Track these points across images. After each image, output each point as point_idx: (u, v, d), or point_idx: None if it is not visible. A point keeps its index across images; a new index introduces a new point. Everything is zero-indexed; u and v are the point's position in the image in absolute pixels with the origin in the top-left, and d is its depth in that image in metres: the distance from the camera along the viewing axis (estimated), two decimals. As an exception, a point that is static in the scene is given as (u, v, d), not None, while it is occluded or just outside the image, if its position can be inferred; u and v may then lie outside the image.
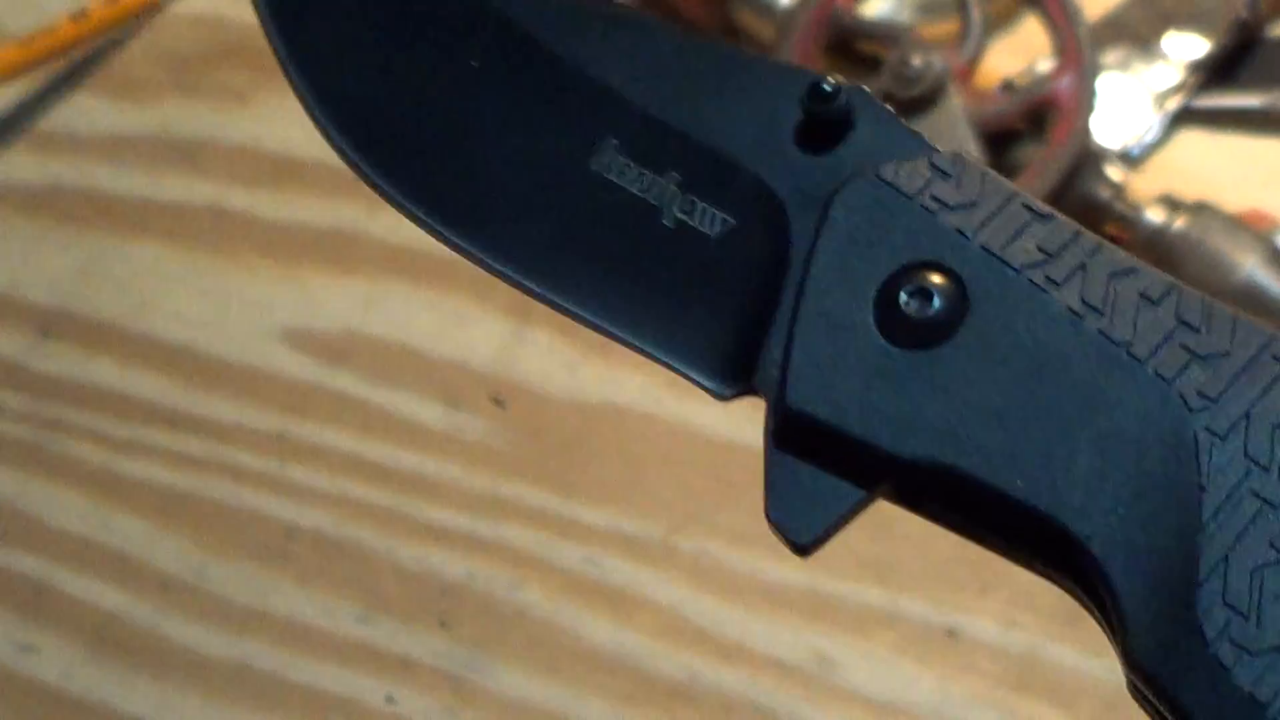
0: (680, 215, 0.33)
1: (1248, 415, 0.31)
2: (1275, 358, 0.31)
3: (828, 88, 0.34)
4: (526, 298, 0.72)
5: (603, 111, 0.36)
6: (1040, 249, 0.33)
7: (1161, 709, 0.31)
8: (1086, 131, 0.66)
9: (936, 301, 0.32)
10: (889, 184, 0.33)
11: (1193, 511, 0.30)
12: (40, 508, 0.66)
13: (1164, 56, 0.70)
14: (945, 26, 0.71)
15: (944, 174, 0.33)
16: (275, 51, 0.42)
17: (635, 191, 0.34)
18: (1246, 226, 0.64)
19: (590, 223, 0.36)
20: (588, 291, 0.37)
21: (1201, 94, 0.70)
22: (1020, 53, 0.72)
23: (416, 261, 0.70)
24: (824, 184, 0.34)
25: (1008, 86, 0.69)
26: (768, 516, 0.34)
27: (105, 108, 0.76)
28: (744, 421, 0.65)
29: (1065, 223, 0.33)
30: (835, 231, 0.33)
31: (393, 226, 0.71)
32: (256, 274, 0.71)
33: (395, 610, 0.62)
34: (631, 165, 0.36)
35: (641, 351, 0.36)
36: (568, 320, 0.72)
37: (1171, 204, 0.65)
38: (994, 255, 0.32)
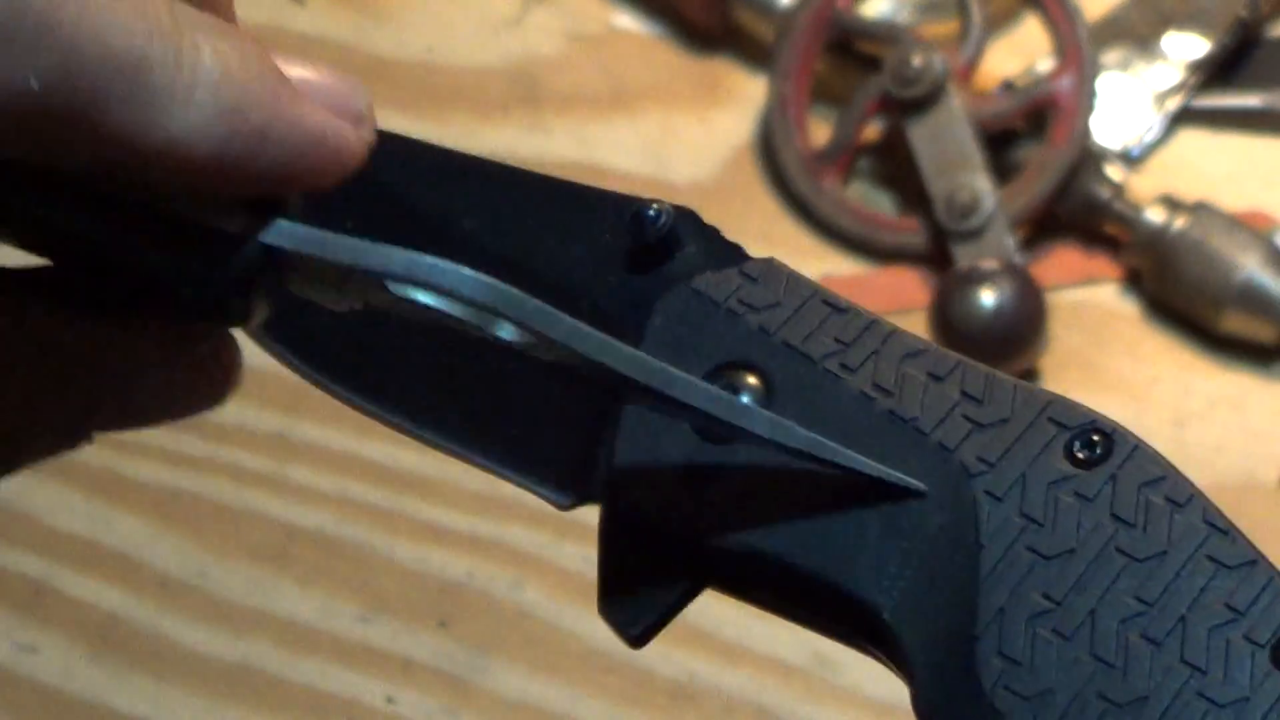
0: (524, 347, 0.34)
1: (1023, 476, 0.33)
2: (1051, 420, 0.34)
3: (651, 213, 0.37)
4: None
5: (449, 252, 0.36)
6: (837, 339, 0.35)
7: None
8: (1086, 131, 0.66)
9: (745, 396, 0.34)
10: (701, 293, 0.36)
11: (972, 570, 0.32)
12: (40, 508, 0.66)
13: (1164, 56, 0.70)
14: (945, 26, 0.71)
15: (751, 279, 0.36)
16: None
17: (482, 330, 0.35)
18: (1246, 226, 0.64)
19: (437, 353, 0.38)
20: (436, 417, 0.39)
21: (1201, 94, 0.70)
22: (1020, 53, 0.72)
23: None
24: (647, 297, 0.36)
25: (1008, 86, 0.69)
26: (600, 611, 0.36)
27: (105, 108, 0.76)
28: (744, 421, 0.65)
29: (861, 314, 0.35)
30: (654, 338, 0.36)
31: (393, 226, 0.71)
32: (256, 274, 0.71)
33: (395, 610, 0.62)
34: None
35: (485, 468, 0.38)
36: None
37: (1171, 204, 0.65)
38: (794, 349, 0.35)
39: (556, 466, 0.38)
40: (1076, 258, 0.67)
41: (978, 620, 0.32)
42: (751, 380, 0.35)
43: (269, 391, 0.67)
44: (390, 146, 0.39)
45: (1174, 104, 0.69)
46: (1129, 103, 0.69)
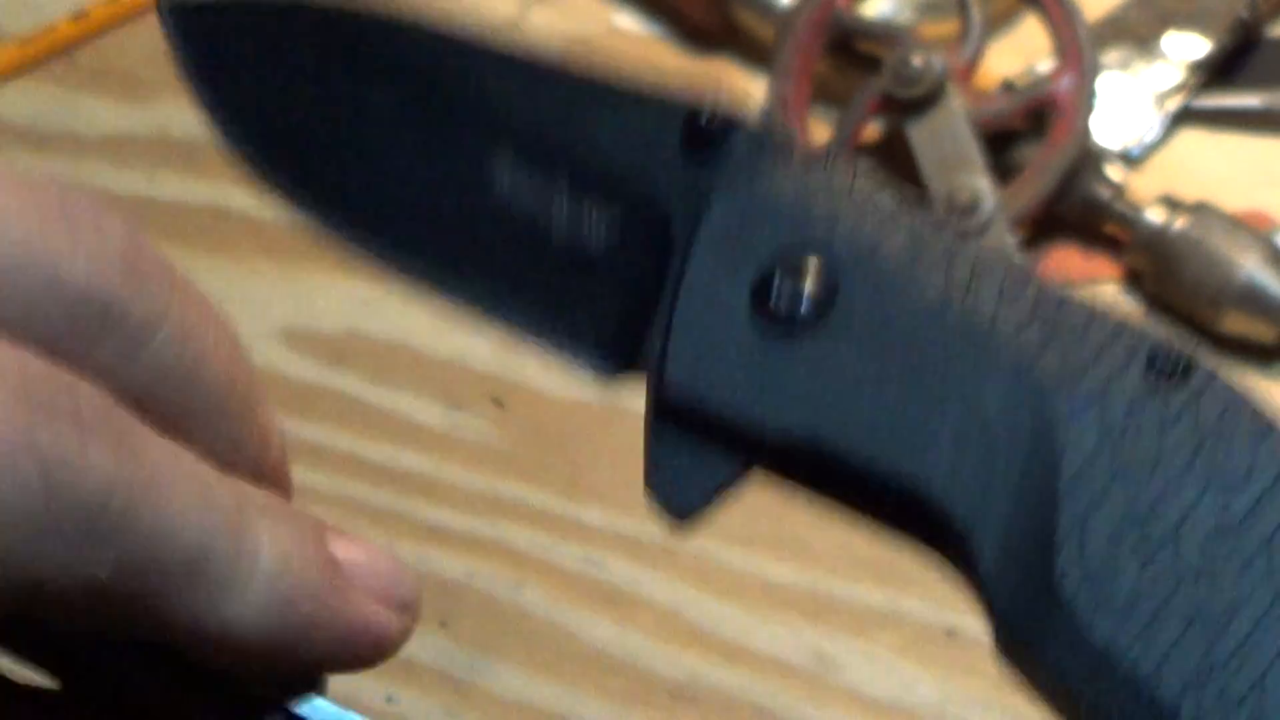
0: (569, 224, 0.35)
1: (1103, 391, 0.32)
2: (1131, 337, 0.33)
3: (706, 109, 0.37)
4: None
5: (495, 131, 0.38)
6: (909, 238, 0.34)
7: (1026, 669, 0.33)
8: (1086, 131, 0.66)
9: (808, 287, 0.33)
10: (765, 177, 0.35)
11: (1051, 481, 0.32)
12: (40, 508, 0.66)
13: (1164, 56, 0.70)
14: (945, 26, 0.71)
15: (817, 168, 0.35)
16: (178, 66, 0.45)
17: (527, 203, 0.36)
18: (1246, 226, 0.64)
19: (482, 232, 0.38)
20: (480, 289, 0.39)
21: (1201, 94, 0.70)
22: (1020, 53, 0.72)
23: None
24: (703, 187, 0.36)
25: (1008, 86, 0.69)
26: (647, 485, 0.36)
27: (105, 108, 0.76)
28: (744, 421, 0.65)
29: (932, 216, 0.35)
30: (713, 223, 0.35)
31: (393, 226, 0.71)
32: (256, 274, 0.71)
33: (395, 610, 0.62)
34: (522, 180, 0.37)
35: (525, 336, 0.38)
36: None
37: (1171, 204, 0.65)
38: (864, 243, 0.34)
39: (600, 339, 0.37)
40: (1076, 258, 0.67)
41: (1058, 530, 0.31)
42: (818, 267, 0.34)
43: (269, 391, 0.67)
44: (433, 42, 0.39)
45: (1174, 104, 0.69)
46: (1129, 103, 0.69)
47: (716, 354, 0.34)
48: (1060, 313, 0.34)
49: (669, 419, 0.35)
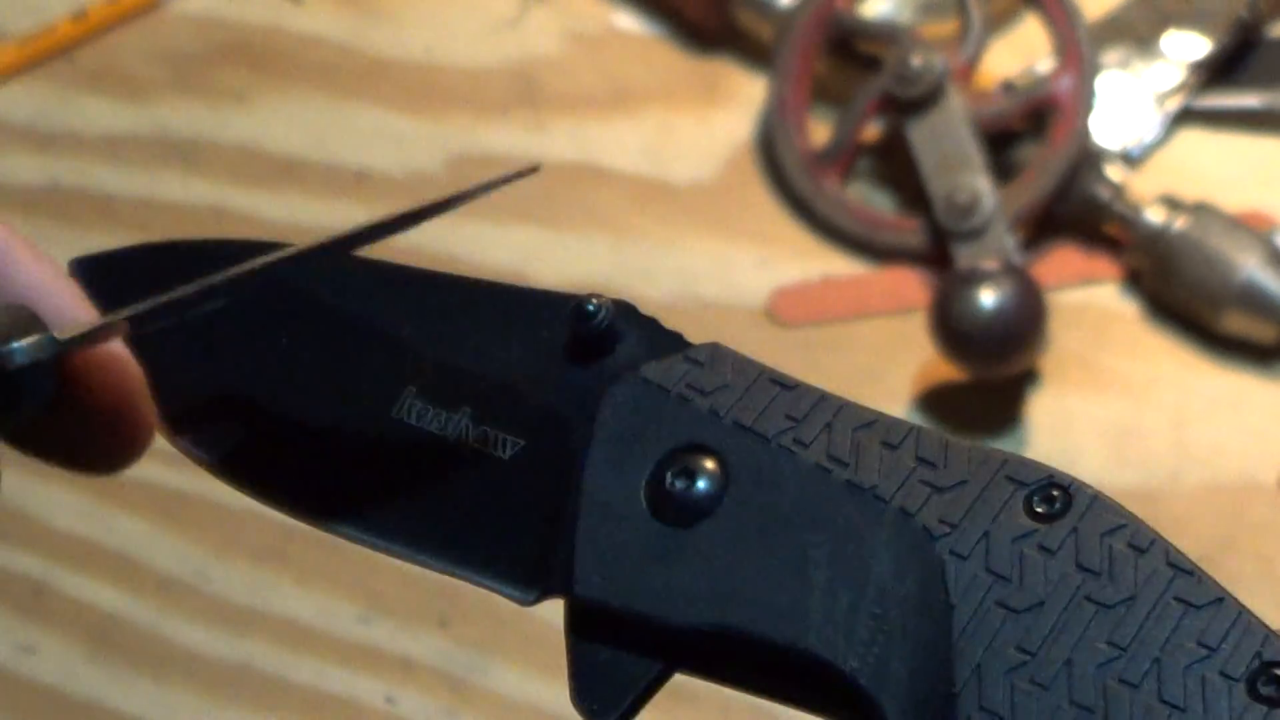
0: (475, 445, 0.36)
1: (986, 534, 0.33)
2: (1009, 478, 0.34)
3: (591, 308, 0.38)
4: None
5: (397, 363, 0.39)
6: (788, 416, 0.35)
7: None
8: (1086, 131, 0.66)
9: (700, 479, 0.35)
10: (648, 380, 0.37)
11: (945, 629, 0.33)
12: (40, 508, 0.66)
13: (1164, 56, 0.70)
14: (945, 26, 0.71)
15: (697, 364, 0.37)
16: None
17: (434, 430, 0.37)
18: (1246, 226, 0.64)
19: (393, 465, 0.39)
20: (393, 527, 0.40)
21: (1201, 94, 0.70)
22: (1020, 53, 0.72)
23: (417, 262, 0.70)
24: (592, 391, 0.37)
25: (1008, 86, 0.69)
26: (573, 702, 0.37)
27: (105, 108, 0.76)
28: (744, 421, 0.65)
29: (810, 389, 0.36)
30: (605, 428, 0.36)
31: (392, 226, 0.71)
32: (256, 274, 0.71)
33: (395, 610, 0.62)
34: (429, 407, 0.39)
35: (447, 571, 0.39)
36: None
37: (1171, 204, 0.65)
38: (747, 429, 0.35)
39: (515, 562, 0.38)
40: (1076, 258, 0.67)
41: (955, 678, 0.32)
42: (707, 464, 0.35)
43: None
44: (325, 262, 0.41)
45: (1174, 104, 0.69)
46: (1129, 103, 0.69)
47: (619, 553, 0.35)
48: (942, 461, 0.35)
49: (586, 631, 0.36)
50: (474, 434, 0.37)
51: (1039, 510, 0.34)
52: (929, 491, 0.34)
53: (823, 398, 0.36)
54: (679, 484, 0.35)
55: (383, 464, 0.39)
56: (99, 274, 0.43)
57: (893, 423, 0.35)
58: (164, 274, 0.41)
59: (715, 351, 0.37)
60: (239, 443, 0.42)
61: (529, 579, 0.37)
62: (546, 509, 0.37)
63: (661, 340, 0.38)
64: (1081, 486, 0.34)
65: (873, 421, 0.35)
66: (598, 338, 0.38)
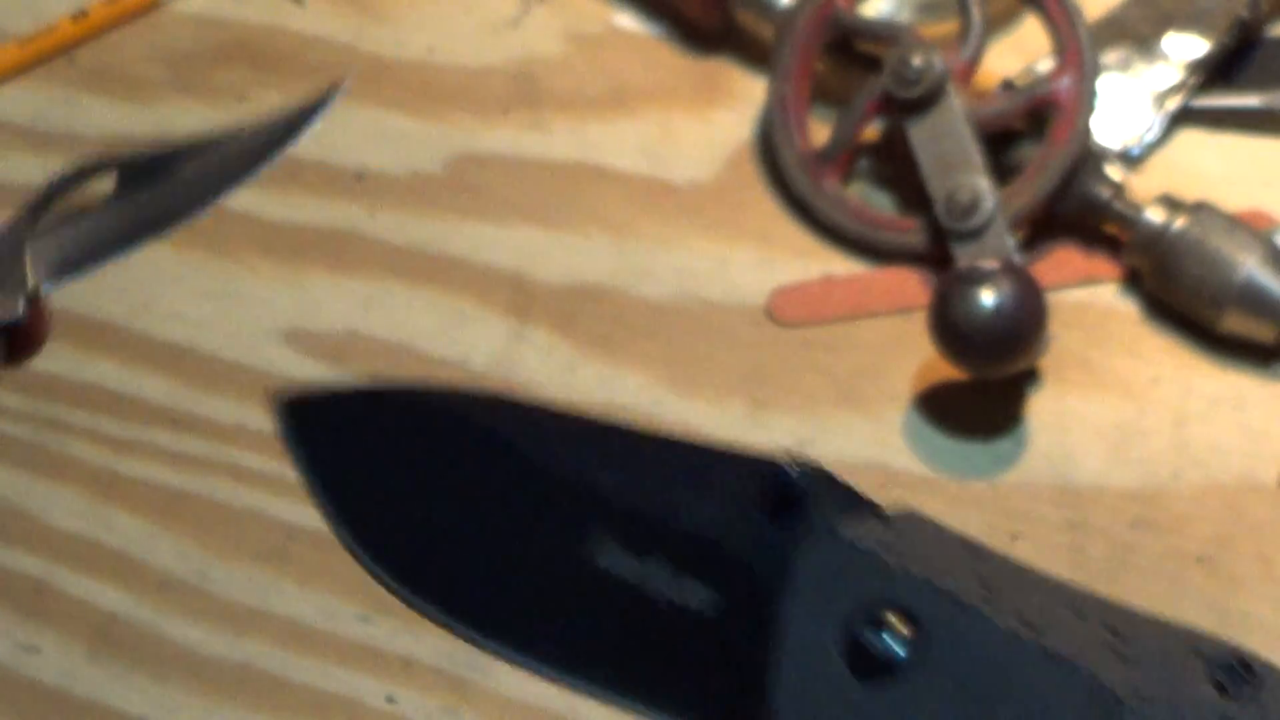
0: (667, 593, 0.38)
1: (1175, 706, 0.35)
2: (1196, 652, 0.36)
3: (788, 470, 0.40)
4: (528, 297, 0.72)
5: (593, 510, 0.41)
6: (981, 581, 0.37)
7: None
8: (1086, 131, 0.66)
9: (896, 636, 0.37)
10: (843, 539, 0.38)
11: None
12: (40, 507, 0.66)
13: (1164, 56, 0.70)
14: (945, 26, 0.71)
15: (892, 526, 0.38)
16: (296, 468, 0.49)
17: (626, 576, 0.40)
18: (1246, 226, 0.64)
19: (584, 605, 0.41)
20: (581, 664, 0.42)
21: (1201, 94, 0.70)
22: (1020, 53, 0.72)
23: (416, 261, 0.70)
24: (787, 548, 0.39)
25: (1008, 86, 0.69)
26: None
27: (106, 108, 0.76)
28: (744, 421, 0.65)
29: (1001, 559, 0.38)
30: (801, 583, 0.38)
31: (393, 226, 0.71)
32: (256, 274, 0.71)
33: (396, 610, 0.62)
34: (622, 554, 0.41)
35: (632, 712, 0.41)
36: (568, 320, 0.72)
37: (1171, 204, 0.65)
38: (941, 590, 0.37)
39: (704, 708, 0.39)
40: (1076, 258, 0.68)
41: None
42: (903, 622, 0.37)
43: (270, 391, 0.67)
44: (522, 414, 0.43)
45: (1174, 104, 0.69)
46: (1129, 103, 0.69)
47: (818, 708, 0.36)
48: (1130, 631, 0.36)
49: None
50: (667, 583, 0.38)
51: (1225, 685, 0.35)
52: (1118, 661, 0.35)
53: (1014, 567, 0.37)
54: (875, 640, 0.36)
55: (574, 603, 0.41)
56: (307, 413, 0.45)
57: (1081, 594, 0.37)
58: (372, 421, 0.43)
59: (909, 516, 0.39)
60: (431, 567, 0.44)
61: None
62: (738, 658, 0.38)
63: (855, 503, 0.40)
64: (1266, 664, 0.36)
65: (1062, 591, 0.37)
66: (793, 498, 0.39)
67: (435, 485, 0.44)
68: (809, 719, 0.36)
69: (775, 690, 0.37)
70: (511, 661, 0.42)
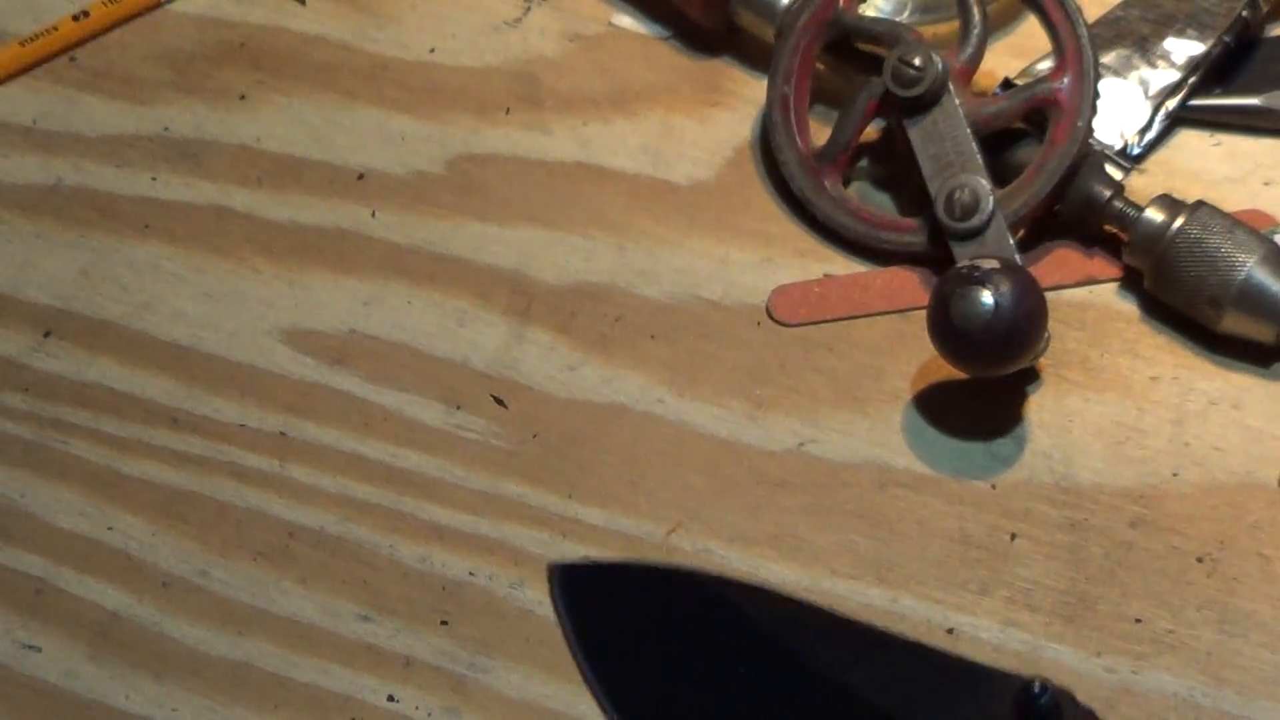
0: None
1: None
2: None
3: (1037, 690, 0.41)
4: (527, 297, 0.72)
5: (843, 712, 0.42)
6: None
7: None
8: (1086, 131, 0.66)
9: None
10: None
11: None
12: (42, 507, 0.66)
13: (1164, 57, 0.70)
14: (945, 26, 0.71)
15: None
16: (563, 628, 0.51)
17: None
18: (1246, 226, 0.64)
19: None
20: None
21: (1201, 94, 0.70)
22: (1020, 53, 0.72)
23: (416, 261, 0.70)
24: None
25: (1008, 86, 0.69)
26: None
27: (105, 108, 0.76)
28: (744, 421, 0.65)
29: None
30: None
31: (393, 226, 0.71)
32: (257, 274, 0.71)
33: (397, 610, 0.62)
34: None
35: None
36: (568, 320, 0.72)
37: (1171, 204, 0.65)
38: None
39: None
40: (1076, 258, 0.68)
41: None
42: None
43: (270, 391, 0.68)
44: (780, 605, 0.45)
45: (1174, 104, 0.69)
46: (1129, 103, 0.69)
47: None
48: None
49: None
50: None
51: None
52: None
53: None
54: None
55: None
56: (584, 583, 0.49)
57: None
58: (642, 599, 0.47)
59: None
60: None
61: None
62: None
63: None
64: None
65: None
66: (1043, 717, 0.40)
67: (696, 671, 0.46)
68: None
69: None
70: None
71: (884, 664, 0.43)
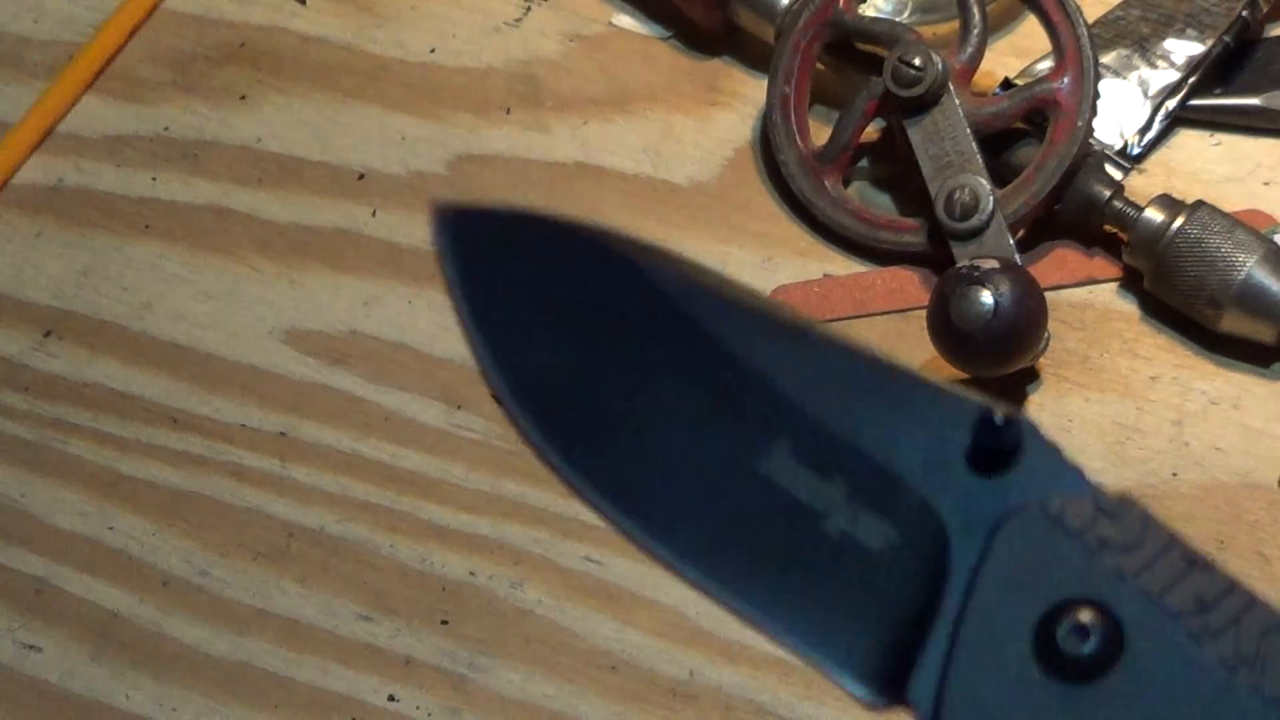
0: (843, 525, 0.34)
1: None
2: None
3: (998, 420, 0.35)
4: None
5: (776, 415, 0.37)
6: (1197, 598, 0.33)
7: None
8: (1086, 131, 0.66)
9: (1094, 639, 0.33)
10: (1053, 519, 0.34)
11: None
12: (42, 507, 0.66)
13: (1163, 57, 0.70)
14: (945, 26, 0.71)
15: (1108, 514, 0.34)
16: (442, 268, 0.43)
17: (801, 496, 0.36)
18: (1246, 226, 0.64)
19: (754, 521, 0.37)
20: (744, 587, 0.37)
21: (1201, 94, 0.70)
22: (1020, 53, 0.72)
23: (416, 261, 0.70)
24: (988, 510, 0.35)
25: (1008, 86, 0.69)
26: None
27: (106, 108, 0.76)
28: (744, 421, 0.65)
29: (1221, 575, 0.34)
30: (998, 562, 0.34)
31: (393, 226, 0.71)
32: (257, 274, 0.71)
33: (397, 609, 0.62)
34: (800, 470, 0.37)
35: (788, 644, 0.37)
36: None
37: (1171, 204, 0.65)
38: (1152, 600, 0.33)
39: (867, 664, 0.36)
40: (1076, 258, 0.68)
41: None
42: (1105, 625, 0.33)
43: (270, 391, 0.68)
44: (716, 286, 0.38)
45: (1174, 104, 0.69)
46: (1129, 103, 0.69)
47: (998, 698, 0.33)
48: None
49: None
50: (844, 512, 0.35)
51: None
52: None
53: (1233, 586, 0.33)
54: (1072, 638, 0.33)
55: (729, 501, 0.37)
56: (469, 225, 0.41)
57: None
58: (536, 248, 0.40)
59: (1125, 503, 0.35)
60: (575, 423, 0.39)
61: (878, 684, 0.35)
62: (910, 615, 0.35)
63: (1067, 471, 0.36)
64: None
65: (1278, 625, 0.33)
66: (1000, 452, 0.35)
67: (597, 337, 0.39)
68: (983, 709, 0.33)
69: (953, 672, 0.34)
70: (645, 549, 0.38)
71: (825, 366, 0.38)
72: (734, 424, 0.37)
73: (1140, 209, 0.66)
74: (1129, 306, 0.67)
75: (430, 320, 0.69)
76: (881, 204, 0.70)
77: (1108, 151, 0.68)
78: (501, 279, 0.41)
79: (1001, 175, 0.67)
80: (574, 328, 0.40)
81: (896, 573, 0.35)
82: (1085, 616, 0.33)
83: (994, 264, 0.62)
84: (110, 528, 0.65)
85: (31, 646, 0.63)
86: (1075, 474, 0.35)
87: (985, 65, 0.69)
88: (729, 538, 0.37)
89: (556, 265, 0.40)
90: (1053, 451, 0.36)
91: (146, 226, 0.72)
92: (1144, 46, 0.70)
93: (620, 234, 0.40)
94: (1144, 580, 0.33)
